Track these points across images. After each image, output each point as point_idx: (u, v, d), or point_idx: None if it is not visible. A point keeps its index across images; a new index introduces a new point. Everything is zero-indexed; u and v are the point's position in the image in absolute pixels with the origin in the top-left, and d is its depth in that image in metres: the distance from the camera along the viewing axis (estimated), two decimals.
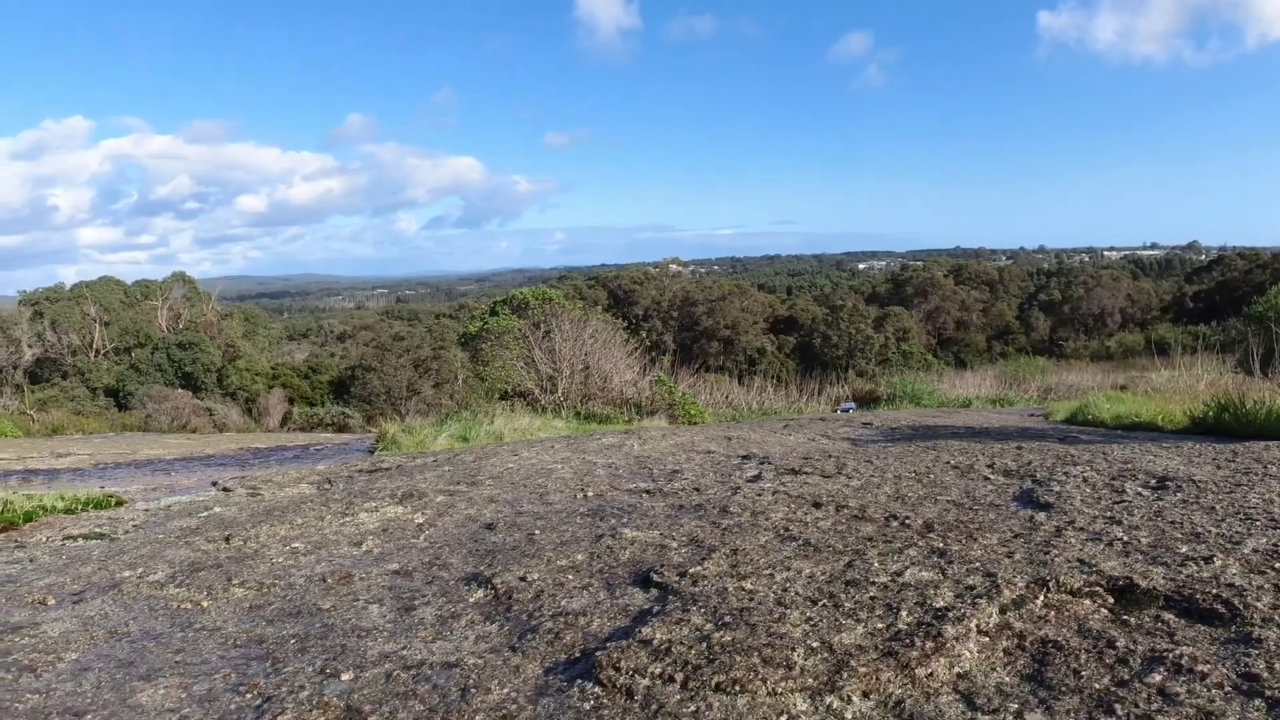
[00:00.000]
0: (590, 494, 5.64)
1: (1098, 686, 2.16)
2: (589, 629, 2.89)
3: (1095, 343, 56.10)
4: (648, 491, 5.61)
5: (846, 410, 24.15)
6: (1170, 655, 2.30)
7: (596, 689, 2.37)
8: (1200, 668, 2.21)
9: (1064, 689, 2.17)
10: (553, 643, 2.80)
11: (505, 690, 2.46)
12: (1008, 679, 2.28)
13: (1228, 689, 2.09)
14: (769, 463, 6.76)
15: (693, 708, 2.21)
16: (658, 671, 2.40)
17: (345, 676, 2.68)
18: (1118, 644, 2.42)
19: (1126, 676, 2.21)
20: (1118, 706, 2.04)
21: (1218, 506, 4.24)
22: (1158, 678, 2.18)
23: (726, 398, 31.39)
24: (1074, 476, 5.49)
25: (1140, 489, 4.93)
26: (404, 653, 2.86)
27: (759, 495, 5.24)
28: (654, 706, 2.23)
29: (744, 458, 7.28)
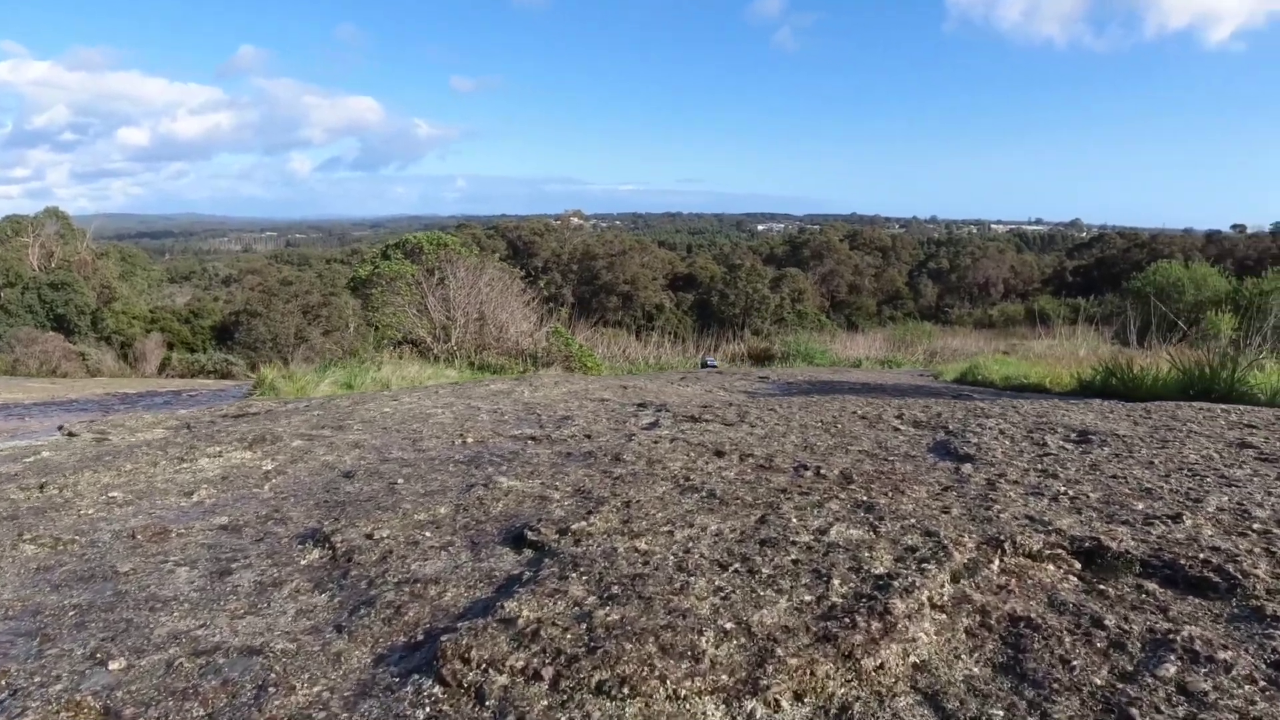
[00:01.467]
0: (470, 440, 4.96)
1: (1098, 681, 1.64)
2: (440, 602, 2.25)
3: (979, 311, 57.42)
4: (533, 438, 4.96)
5: (711, 365, 24.11)
6: (1177, 638, 1.79)
7: (436, 688, 1.74)
8: (1220, 655, 1.70)
9: (1055, 685, 1.63)
10: (391, 621, 2.15)
11: (316, 689, 1.81)
12: (978, 670, 1.74)
13: (1263, 683, 1.59)
14: (666, 410, 6.19)
15: (564, 718, 1.59)
16: (520, 665, 1.77)
17: (115, 665, 1.99)
18: (1105, 622, 1.91)
19: (1130, 668, 1.69)
20: (1135, 712, 1.51)
21: (1156, 461, 3.84)
22: (1171, 669, 1.66)
23: (624, 351, 30.89)
24: (989, 429, 5.08)
25: (1063, 442, 4.52)
26: (200, 632, 2.18)
27: (656, 443, 4.66)
28: (511, 717, 1.61)
29: (640, 405, 6.69)
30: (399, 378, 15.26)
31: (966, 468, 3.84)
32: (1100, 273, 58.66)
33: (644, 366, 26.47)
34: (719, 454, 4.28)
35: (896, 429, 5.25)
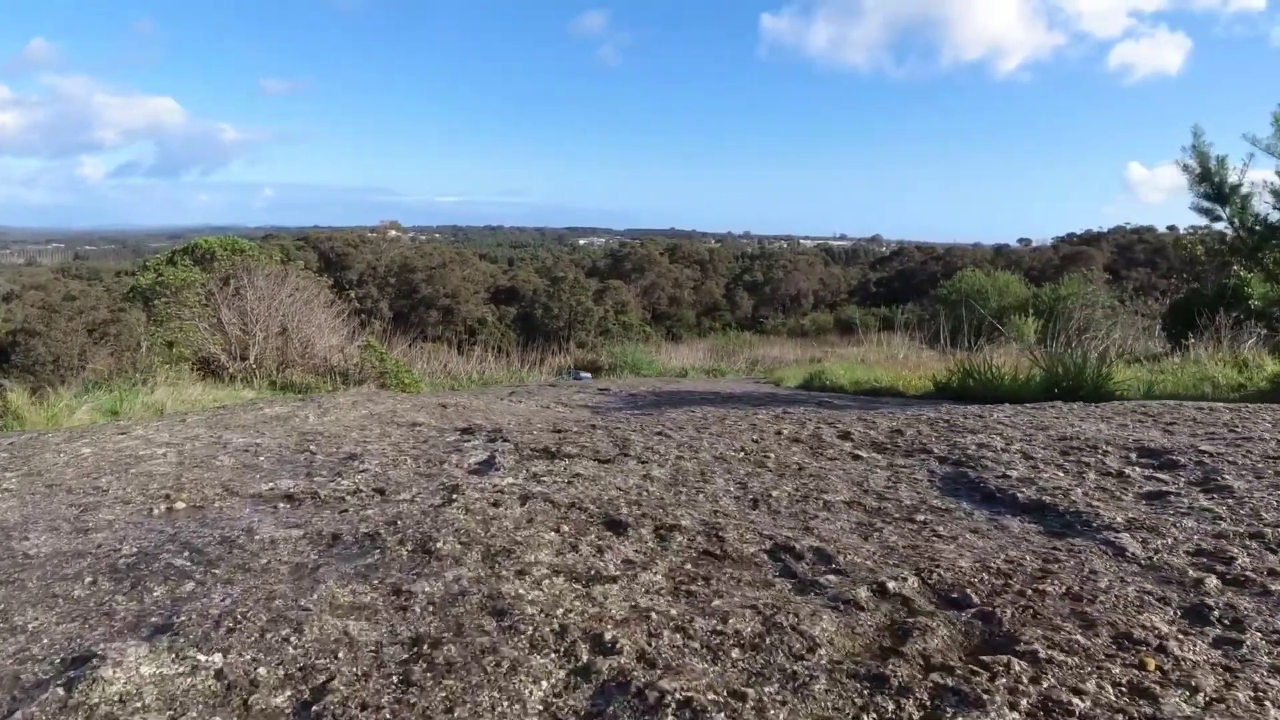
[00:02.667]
0: (180, 505, 2.98)
1: None
2: None
3: (792, 320, 58.19)
4: (289, 498, 3.03)
5: (581, 378, 21.38)
6: None
7: None
8: None
9: None
10: None
11: None
12: None
13: None
14: (504, 438, 4.37)
15: None
16: None
17: None
18: None
19: None
20: None
21: None
22: None
23: (445, 366, 28.55)
24: (1014, 452, 3.59)
25: (1146, 470, 3.04)
26: None
27: (496, 504, 2.85)
28: None
29: (464, 432, 4.83)
30: (178, 400, 12.59)
31: (1116, 538, 2.25)
32: (901, 284, 60.65)
33: (467, 382, 24.32)
34: (614, 527, 2.57)
35: (858, 456, 3.69)
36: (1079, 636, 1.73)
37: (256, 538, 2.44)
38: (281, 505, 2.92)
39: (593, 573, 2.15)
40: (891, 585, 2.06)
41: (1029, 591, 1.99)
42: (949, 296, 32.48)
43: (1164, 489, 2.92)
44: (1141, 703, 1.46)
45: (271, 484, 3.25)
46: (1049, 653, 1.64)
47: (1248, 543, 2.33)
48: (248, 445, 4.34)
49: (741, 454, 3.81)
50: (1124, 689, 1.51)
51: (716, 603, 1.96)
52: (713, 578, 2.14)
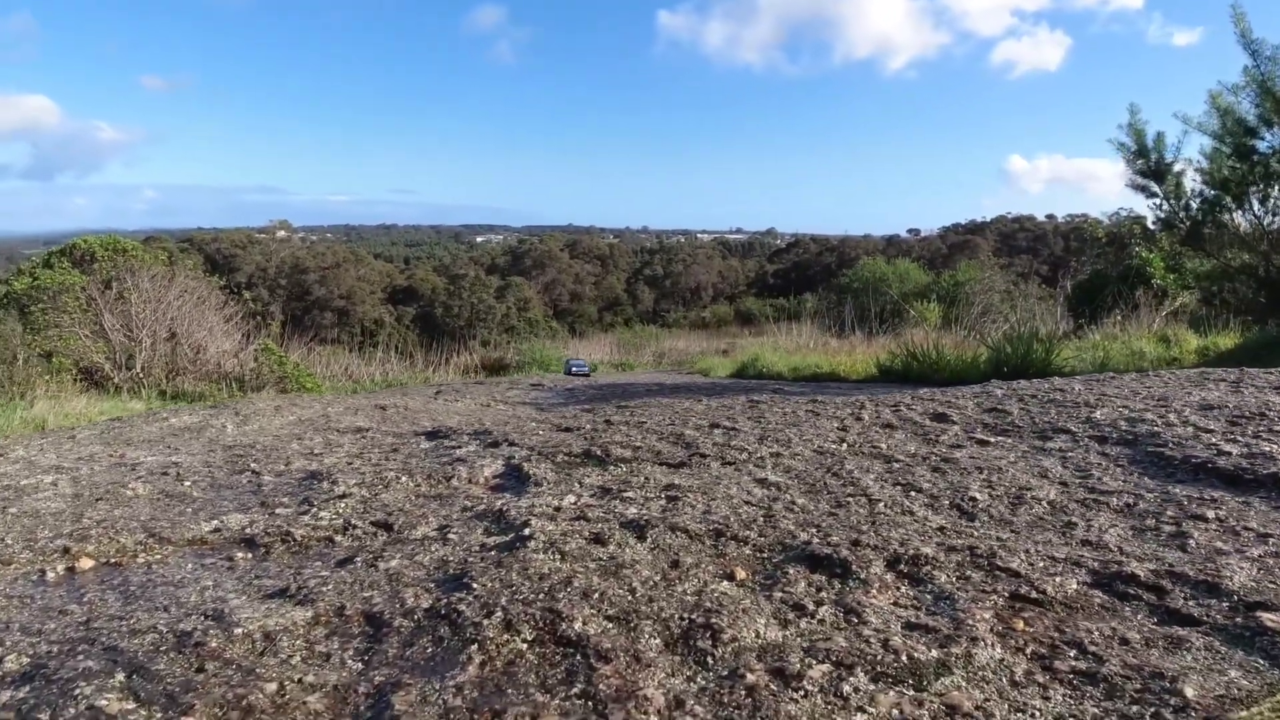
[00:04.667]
0: (88, 563, 2.03)
1: None
2: None
3: (693, 313, 58.07)
4: (249, 542, 2.12)
5: (576, 369, 17.35)
6: None
7: None
8: None
9: None
10: None
11: None
12: None
13: None
14: (508, 443, 3.47)
15: None
16: None
17: None
18: None
19: None
20: None
21: None
22: None
23: (345, 370, 27.05)
24: (1174, 420, 2.89)
25: None
26: None
27: (597, 541, 2.01)
28: None
29: (433, 435, 3.93)
30: (60, 415, 11.11)
31: None
32: (798, 275, 61.13)
33: (370, 385, 23.04)
34: (815, 564, 1.78)
35: (984, 442, 2.95)
36: None
37: (234, 629, 1.51)
38: (242, 556, 1.99)
39: (888, 659, 1.35)
40: None
41: None
42: (851, 285, 32.65)
43: None
44: None
45: (216, 522, 2.30)
46: None
47: None
48: (163, 466, 3.33)
49: (845, 446, 3.04)
50: None
51: (1129, 686, 1.19)
52: (1071, 635, 1.37)
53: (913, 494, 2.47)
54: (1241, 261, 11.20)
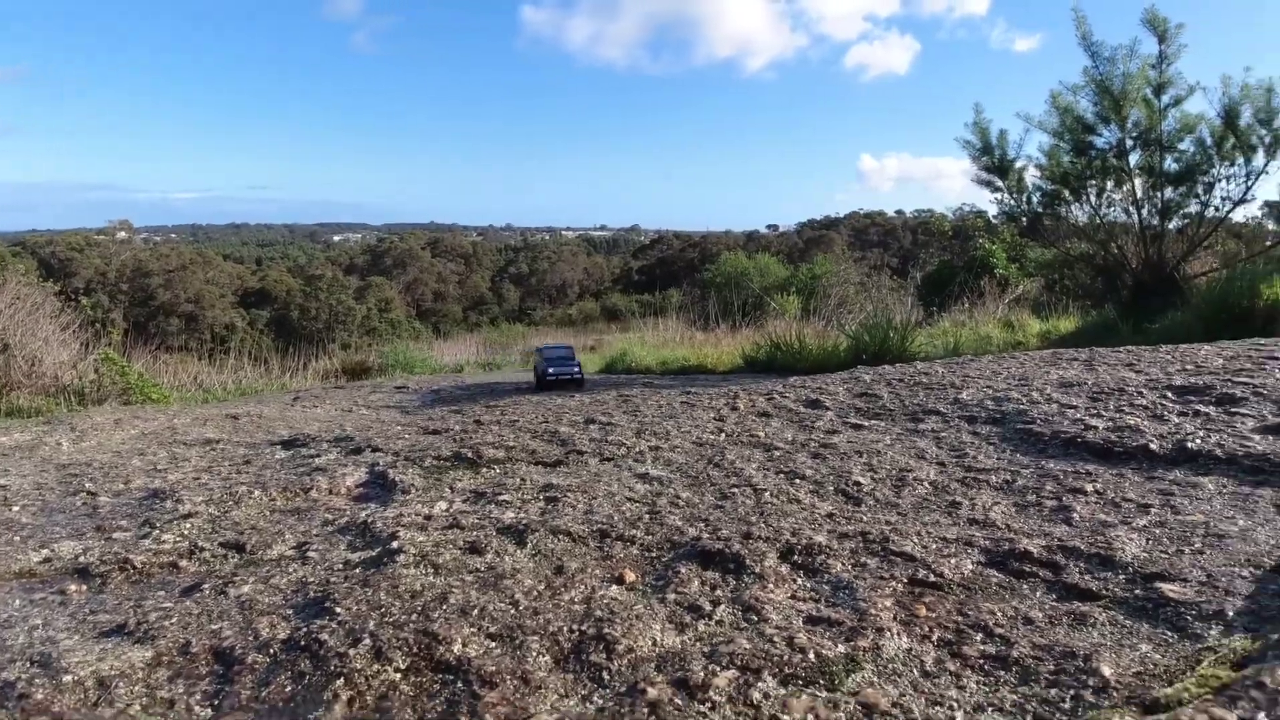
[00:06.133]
0: None
1: None
2: None
3: (560, 311, 57.87)
4: (83, 572, 1.88)
5: (562, 367, 10.59)
6: None
7: None
8: None
9: None
10: None
11: None
12: None
13: None
14: (371, 449, 3.27)
15: None
16: None
17: None
18: None
19: None
20: None
21: None
22: None
23: (195, 378, 25.56)
24: (1039, 399, 2.93)
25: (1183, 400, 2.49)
26: None
27: (474, 551, 1.87)
28: None
29: (289, 445, 3.68)
30: None
31: None
32: (662, 270, 61.69)
33: (223, 394, 21.83)
34: (706, 560, 1.68)
35: (859, 426, 2.90)
36: None
37: (63, 675, 1.30)
38: (75, 589, 1.76)
39: (795, 659, 1.27)
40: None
41: None
42: (714, 279, 33.16)
43: (1194, 408, 2.42)
44: None
45: (46, 550, 2.04)
46: None
47: None
48: None
49: (724, 436, 2.98)
50: None
51: (1042, 668, 1.14)
52: (975, 618, 1.33)
53: (797, 481, 2.44)
54: (1080, 250, 11.98)
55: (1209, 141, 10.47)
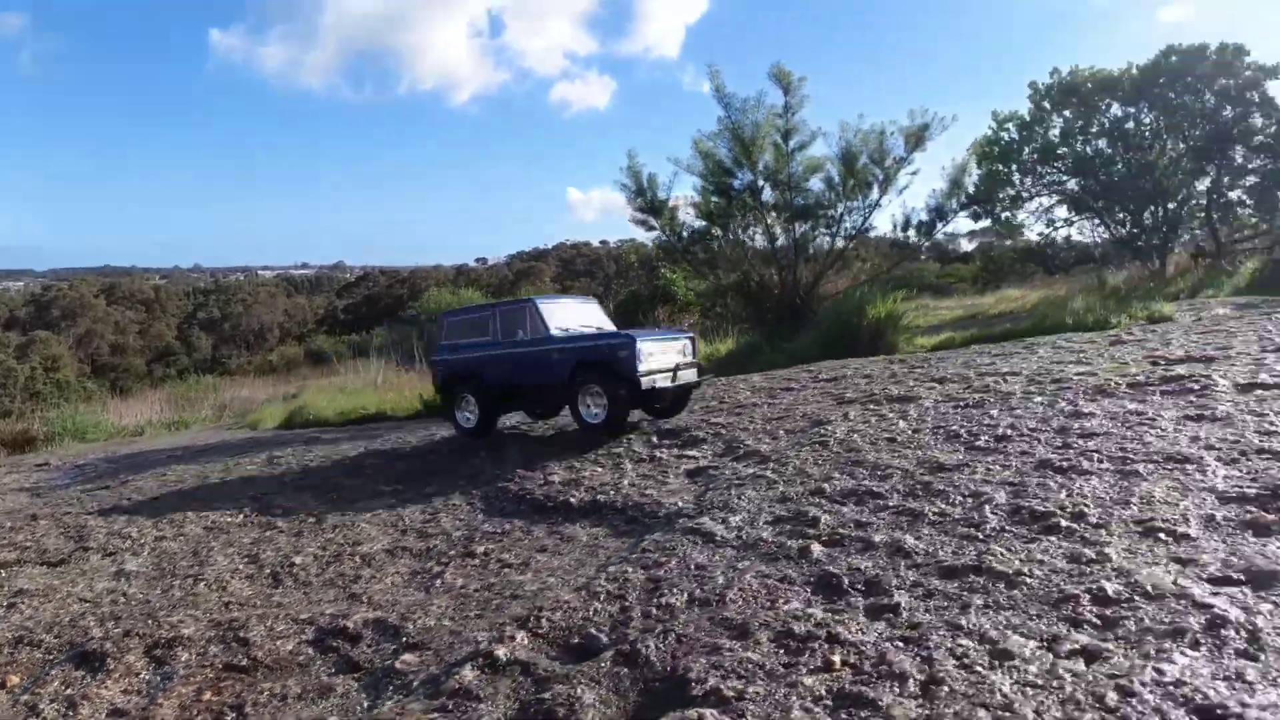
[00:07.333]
0: None
1: None
2: None
3: (259, 357, 54.31)
4: None
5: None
6: None
7: None
8: None
9: None
10: None
11: None
12: None
13: None
14: None
15: None
16: None
17: None
18: None
19: None
20: None
21: None
22: None
23: None
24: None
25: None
26: None
27: None
28: None
29: None
30: None
31: None
32: (369, 309, 59.84)
33: None
34: (89, 661, 1.69)
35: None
36: None
37: None
38: None
39: None
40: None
41: None
42: (419, 317, 32.81)
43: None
44: None
45: None
46: None
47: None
48: None
49: (242, 521, 2.99)
50: None
51: None
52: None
53: (251, 564, 2.54)
54: (730, 280, 13.19)
55: (836, 179, 11.90)
